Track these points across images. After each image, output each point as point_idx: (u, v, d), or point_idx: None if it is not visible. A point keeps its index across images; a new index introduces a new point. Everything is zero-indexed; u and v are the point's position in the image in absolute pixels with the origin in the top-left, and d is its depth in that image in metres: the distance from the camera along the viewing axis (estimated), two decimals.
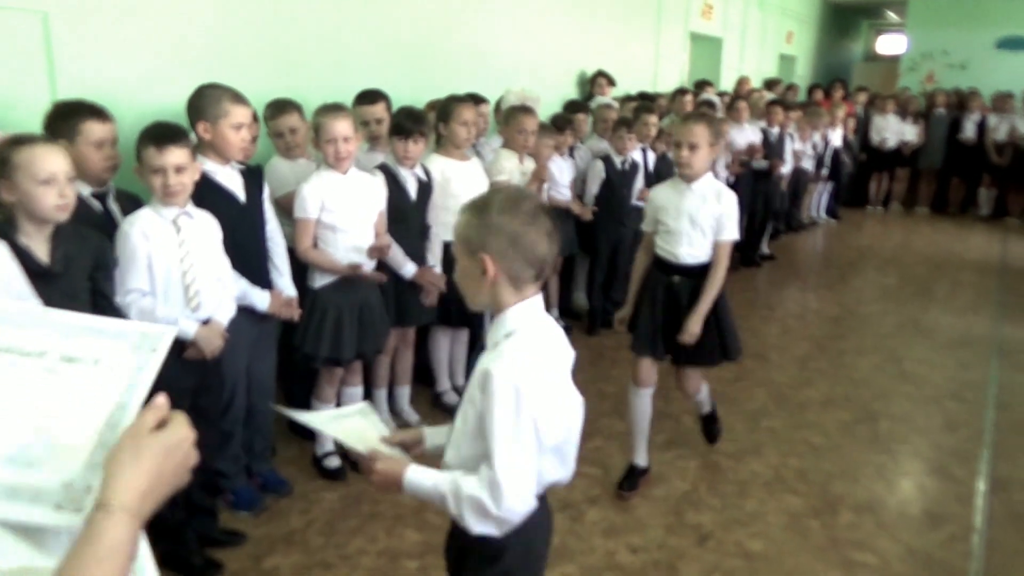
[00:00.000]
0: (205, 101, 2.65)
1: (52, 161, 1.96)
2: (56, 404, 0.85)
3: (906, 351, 4.89)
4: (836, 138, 8.55)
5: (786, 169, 7.08)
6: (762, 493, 3.11)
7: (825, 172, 8.56)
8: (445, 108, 3.54)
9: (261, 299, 2.78)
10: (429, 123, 3.33)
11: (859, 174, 9.76)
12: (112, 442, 0.83)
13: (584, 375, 4.32)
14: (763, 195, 6.82)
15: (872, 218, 9.90)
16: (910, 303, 6.03)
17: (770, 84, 9.72)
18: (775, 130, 6.91)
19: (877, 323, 5.53)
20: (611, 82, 6.52)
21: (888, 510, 3.04)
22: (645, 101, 5.97)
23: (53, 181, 1.96)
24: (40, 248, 2.05)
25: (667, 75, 7.99)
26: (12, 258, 1.88)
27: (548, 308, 4.78)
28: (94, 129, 2.35)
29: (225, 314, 2.51)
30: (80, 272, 2.13)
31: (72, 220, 2.10)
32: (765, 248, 7.28)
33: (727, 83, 8.93)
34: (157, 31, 3.20)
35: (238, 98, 2.65)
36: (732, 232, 2.97)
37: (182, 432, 0.88)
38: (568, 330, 4.87)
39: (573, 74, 6.51)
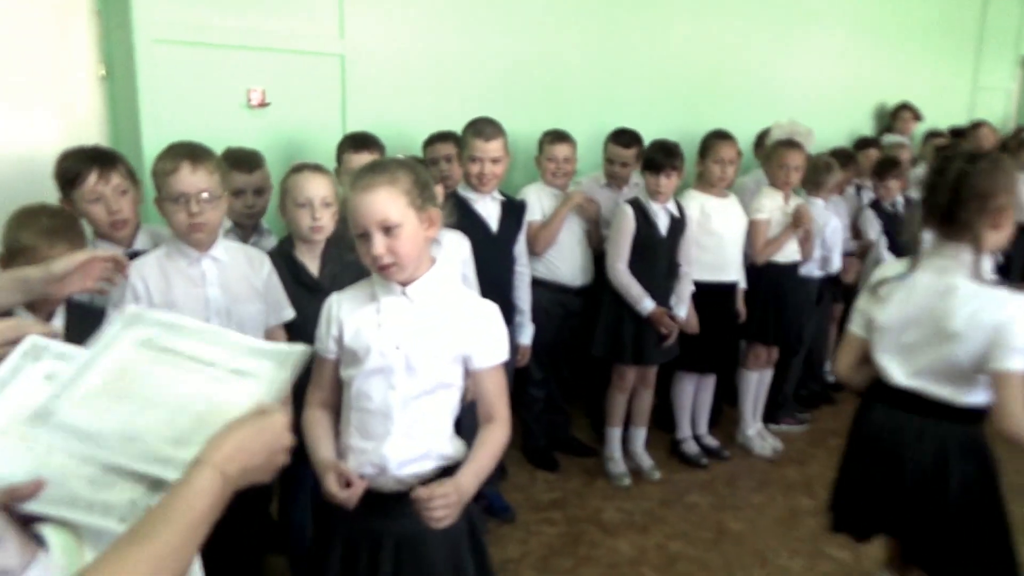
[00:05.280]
0: (462, 134, 2.87)
1: (309, 187, 2.17)
2: (216, 405, 1.05)
3: None
4: None
5: None
6: None
7: None
8: (704, 144, 3.47)
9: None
10: (683, 157, 3.21)
11: None
12: None
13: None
14: None
15: None
16: None
17: None
18: None
19: None
20: (917, 116, 5.80)
21: None
22: (955, 139, 5.23)
23: (308, 205, 2.17)
24: (312, 264, 2.28)
25: (988, 108, 6.94)
26: (273, 271, 2.12)
27: (823, 359, 4.22)
28: (352, 159, 2.60)
29: None
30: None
31: (338, 242, 2.31)
32: None
33: None
34: (435, 72, 3.46)
35: (479, 133, 2.78)
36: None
37: (274, 417, 1.03)
38: (838, 387, 4.44)
39: (869, 106, 5.92)
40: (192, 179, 1.88)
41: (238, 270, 2.04)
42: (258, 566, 2.46)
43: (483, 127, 2.79)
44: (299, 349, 1.15)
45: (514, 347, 3.03)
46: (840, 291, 4.18)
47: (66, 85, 2.80)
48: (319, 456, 1.58)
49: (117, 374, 1.05)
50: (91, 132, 2.87)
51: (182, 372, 1.08)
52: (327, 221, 2.20)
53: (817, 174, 3.77)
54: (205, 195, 1.89)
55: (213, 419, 1.00)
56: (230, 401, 1.05)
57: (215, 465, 0.95)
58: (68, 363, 1.07)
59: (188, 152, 1.91)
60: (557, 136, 3.34)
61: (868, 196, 4.50)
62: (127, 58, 2.72)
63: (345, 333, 1.58)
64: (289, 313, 2.13)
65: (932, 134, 5.42)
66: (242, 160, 2.55)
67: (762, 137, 4.25)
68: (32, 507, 0.92)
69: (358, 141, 2.73)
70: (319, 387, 1.65)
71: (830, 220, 3.83)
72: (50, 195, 2.15)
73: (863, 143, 4.83)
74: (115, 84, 2.87)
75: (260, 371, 1.10)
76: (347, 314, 1.60)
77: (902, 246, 4.19)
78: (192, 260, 1.97)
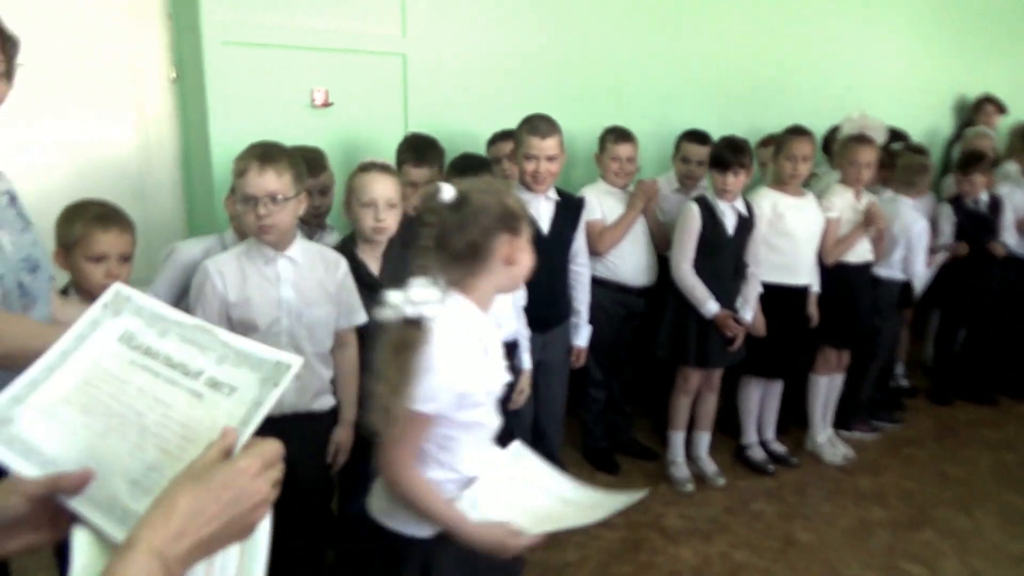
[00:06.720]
0: (516, 131, 2.82)
1: (375, 187, 2.17)
2: (190, 431, 0.82)
3: None
4: None
5: None
6: None
7: None
8: (778, 140, 3.36)
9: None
10: (751, 154, 3.11)
11: None
12: None
13: (925, 452, 3.69)
14: None
15: None
16: None
17: None
18: None
19: None
20: (1001, 109, 5.51)
21: None
22: None
23: (372, 205, 2.17)
24: (373, 263, 2.28)
25: None
26: (348, 274, 2.14)
27: (894, 363, 4.13)
28: (411, 172, 2.61)
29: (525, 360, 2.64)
30: None
31: (401, 242, 2.31)
32: None
33: None
34: (496, 70, 3.43)
35: (534, 130, 2.70)
36: None
37: (237, 465, 0.72)
38: (912, 393, 4.26)
39: (948, 100, 5.65)
40: (259, 181, 1.88)
41: (313, 272, 2.04)
42: (320, 561, 2.48)
43: (538, 124, 2.73)
44: (291, 362, 0.88)
45: (569, 348, 2.99)
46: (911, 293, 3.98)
47: (139, 87, 2.88)
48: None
49: (88, 376, 0.87)
50: (163, 132, 2.94)
51: (159, 383, 0.87)
52: (391, 222, 2.20)
53: (910, 174, 3.60)
54: (273, 197, 1.88)
55: (179, 454, 0.80)
56: (202, 427, 0.82)
57: (153, 550, 0.68)
58: (147, 322, 0.91)
59: (259, 153, 1.90)
60: (621, 135, 3.28)
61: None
62: (196, 60, 2.78)
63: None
64: (361, 317, 2.12)
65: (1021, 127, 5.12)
66: (306, 162, 2.57)
67: (832, 133, 4.08)
68: (74, 504, 0.77)
69: (419, 152, 2.71)
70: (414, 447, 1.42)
71: (917, 221, 3.64)
72: (123, 193, 2.21)
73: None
74: (185, 86, 2.93)
75: (241, 385, 0.86)
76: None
77: (984, 244, 3.98)
78: (268, 259, 1.98)
